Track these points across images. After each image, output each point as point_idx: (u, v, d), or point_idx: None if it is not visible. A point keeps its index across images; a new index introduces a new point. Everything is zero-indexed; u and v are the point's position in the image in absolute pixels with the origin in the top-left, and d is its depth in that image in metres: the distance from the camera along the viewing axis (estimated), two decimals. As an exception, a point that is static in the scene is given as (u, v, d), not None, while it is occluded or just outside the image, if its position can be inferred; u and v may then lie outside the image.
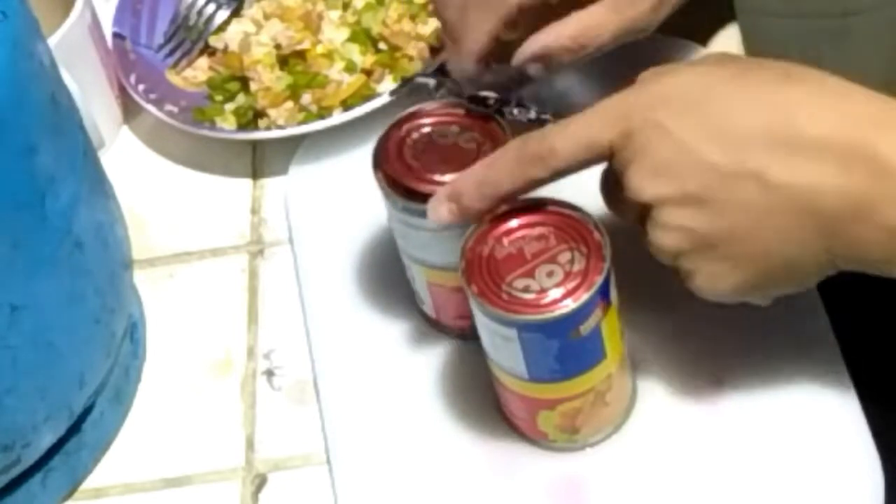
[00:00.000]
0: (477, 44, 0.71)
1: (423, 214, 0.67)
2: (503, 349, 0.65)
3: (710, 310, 0.65)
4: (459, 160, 0.67)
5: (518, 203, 0.65)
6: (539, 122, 0.69)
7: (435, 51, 0.86)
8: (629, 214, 0.63)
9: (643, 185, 0.61)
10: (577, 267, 0.63)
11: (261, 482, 0.73)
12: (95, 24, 0.87)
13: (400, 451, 0.71)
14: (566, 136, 0.62)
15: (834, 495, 0.66)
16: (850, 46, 0.79)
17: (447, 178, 0.67)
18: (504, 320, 0.63)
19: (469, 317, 0.66)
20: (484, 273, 0.63)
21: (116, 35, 0.92)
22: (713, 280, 0.61)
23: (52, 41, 0.78)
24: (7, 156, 0.62)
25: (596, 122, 0.62)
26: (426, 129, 0.70)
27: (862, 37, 0.79)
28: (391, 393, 0.73)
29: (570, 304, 0.62)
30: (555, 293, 0.62)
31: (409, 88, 0.74)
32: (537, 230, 0.64)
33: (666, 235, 0.61)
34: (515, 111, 0.70)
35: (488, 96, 0.70)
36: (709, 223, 0.60)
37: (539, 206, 0.65)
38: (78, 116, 0.71)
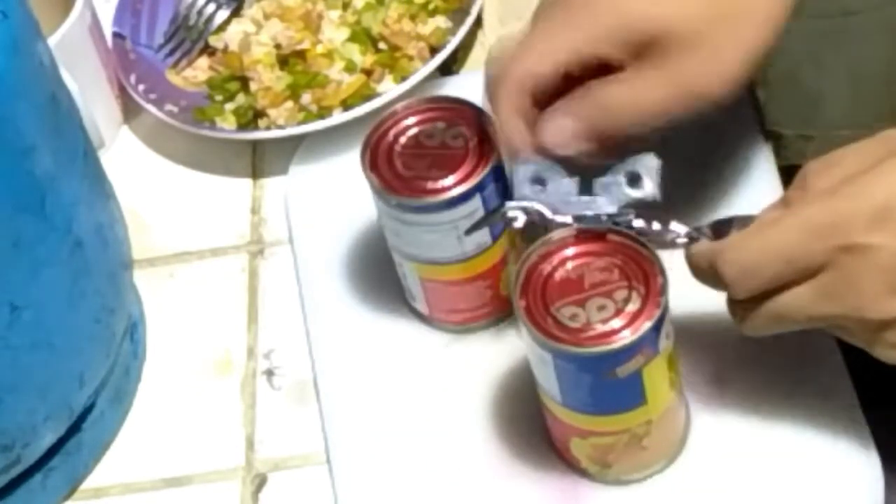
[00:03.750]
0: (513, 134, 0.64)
1: (418, 210, 0.67)
2: (541, 369, 0.63)
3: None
4: (449, 163, 0.68)
5: (590, 229, 0.62)
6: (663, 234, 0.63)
7: (434, 50, 0.86)
8: (840, 332, 0.59)
9: (883, 304, 0.56)
10: (630, 307, 0.60)
11: (261, 482, 0.73)
12: (95, 24, 0.87)
13: (400, 451, 0.71)
14: (759, 251, 0.57)
15: (835, 495, 0.66)
16: (850, 46, 0.79)
17: (440, 183, 0.67)
18: (541, 343, 0.61)
19: (462, 310, 0.65)
20: (537, 291, 0.61)
21: (116, 35, 0.92)
22: None
23: (52, 41, 0.78)
24: (7, 156, 0.62)
25: (800, 236, 0.57)
26: (412, 132, 0.70)
27: (862, 37, 0.79)
28: (391, 393, 0.73)
29: (609, 345, 0.59)
30: (599, 328, 0.59)
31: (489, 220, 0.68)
32: (604, 260, 0.61)
33: None
34: (635, 223, 0.63)
35: (599, 214, 0.63)
36: None
37: (610, 234, 0.62)
38: (78, 116, 0.71)
